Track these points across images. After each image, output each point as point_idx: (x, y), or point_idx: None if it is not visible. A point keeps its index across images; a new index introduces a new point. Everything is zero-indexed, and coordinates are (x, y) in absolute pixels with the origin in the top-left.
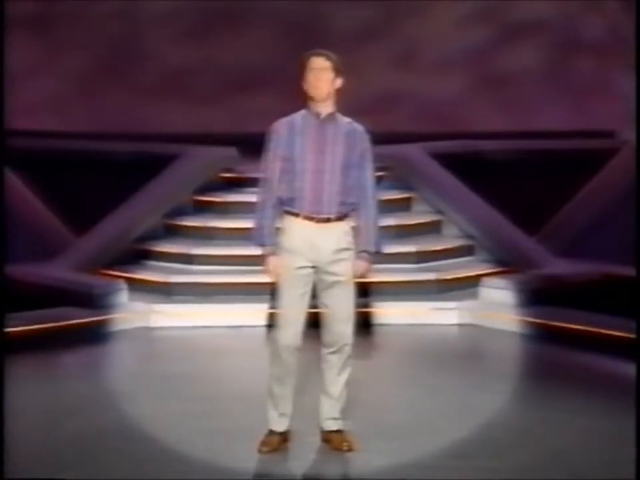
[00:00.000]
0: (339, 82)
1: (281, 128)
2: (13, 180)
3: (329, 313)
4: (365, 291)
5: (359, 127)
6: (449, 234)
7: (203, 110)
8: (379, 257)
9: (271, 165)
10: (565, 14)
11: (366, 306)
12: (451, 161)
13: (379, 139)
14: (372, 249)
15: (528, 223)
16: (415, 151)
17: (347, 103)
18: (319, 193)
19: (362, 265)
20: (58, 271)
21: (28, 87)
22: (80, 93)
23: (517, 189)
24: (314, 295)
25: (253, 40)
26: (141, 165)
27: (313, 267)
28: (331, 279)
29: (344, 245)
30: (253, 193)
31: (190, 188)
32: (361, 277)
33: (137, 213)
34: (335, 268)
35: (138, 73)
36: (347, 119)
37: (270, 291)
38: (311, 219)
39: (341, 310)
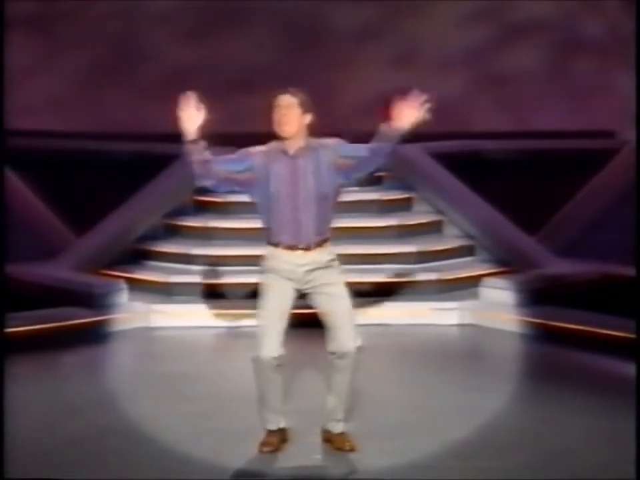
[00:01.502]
0: (307, 117)
1: (257, 155)
2: (13, 180)
3: (328, 321)
4: (366, 290)
5: (322, 145)
6: (449, 234)
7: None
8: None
9: (233, 161)
10: (565, 14)
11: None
12: (451, 161)
13: None
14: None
15: (528, 222)
16: (415, 151)
17: (347, 103)
18: (296, 229)
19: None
20: (58, 271)
21: (28, 87)
22: (80, 92)
23: (517, 188)
24: (302, 296)
25: (253, 40)
26: (141, 164)
27: (297, 285)
28: (320, 289)
29: (325, 264)
30: None
31: (190, 188)
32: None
33: (137, 213)
34: (322, 279)
35: (138, 72)
36: (317, 144)
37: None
38: (290, 248)
39: (337, 317)
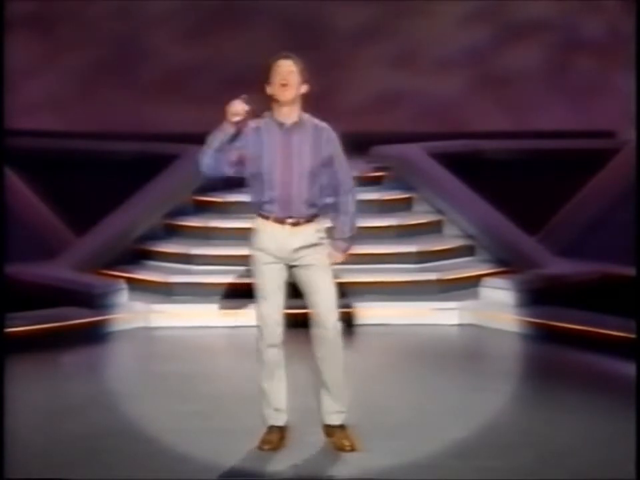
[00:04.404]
0: (304, 87)
1: (249, 132)
2: (13, 180)
3: (312, 300)
4: (366, 290)
5: (325, 131)
6: (449, 234)
7: (203, 110)
8: (354, 240)
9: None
10: (565, 14)
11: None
12: (451, 161)
13: (379, 139)
14: (347, 234)
15: (528, 222)
16: (415, 151)
17: (347, 103)
18: (287, 202)
19: (336, 253)
20: (58, 271)
21: (28, 87)
22: (80, 92)
23: (517, 188)
24: (298, 295)
25: (253, 40)
26: (140, 164)
27: (285, 261)
28: (305, 266)
29: (314, 241)
30: None
31: (190, 188)
32: (337, 263)
33: (137, 213)
34: (307, 259)
35: (138, 72)
36: (314, 122)
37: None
38: (281, 221)
39: (321, 292)
